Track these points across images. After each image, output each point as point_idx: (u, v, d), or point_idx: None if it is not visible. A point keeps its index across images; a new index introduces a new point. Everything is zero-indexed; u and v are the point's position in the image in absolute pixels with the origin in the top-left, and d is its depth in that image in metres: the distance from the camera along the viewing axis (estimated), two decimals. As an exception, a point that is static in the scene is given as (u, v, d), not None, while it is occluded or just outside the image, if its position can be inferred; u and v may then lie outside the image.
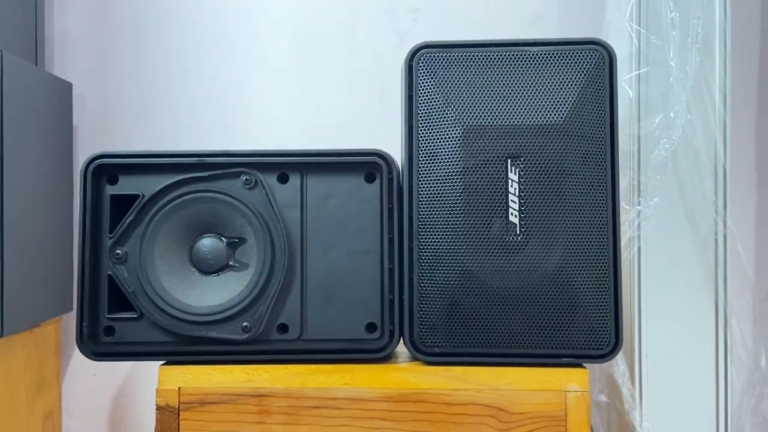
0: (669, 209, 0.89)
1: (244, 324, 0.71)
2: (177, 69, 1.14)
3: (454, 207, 0.69)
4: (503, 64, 0.70)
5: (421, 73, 0.71)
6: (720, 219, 0.87)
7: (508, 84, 0.69)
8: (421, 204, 0.70)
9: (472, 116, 0.69)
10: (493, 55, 0.70)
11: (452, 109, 0.69)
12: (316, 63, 1.13)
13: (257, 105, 1.13)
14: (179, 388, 0.70)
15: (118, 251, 0.71)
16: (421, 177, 0.70)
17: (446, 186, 0.69)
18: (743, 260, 0.90)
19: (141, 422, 1.13)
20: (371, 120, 1.12)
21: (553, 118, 0.68)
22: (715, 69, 0.88)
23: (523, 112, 0.69)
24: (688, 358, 0.88)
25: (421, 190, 0.70)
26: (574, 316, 0.68)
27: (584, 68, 0.69)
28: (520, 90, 0.69)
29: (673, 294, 0.89)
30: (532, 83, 0.69)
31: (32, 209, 0.95)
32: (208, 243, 0.72)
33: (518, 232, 0.68)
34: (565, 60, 0.69)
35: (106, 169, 0.72)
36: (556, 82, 0.69)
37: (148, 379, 1.13)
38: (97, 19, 1.14)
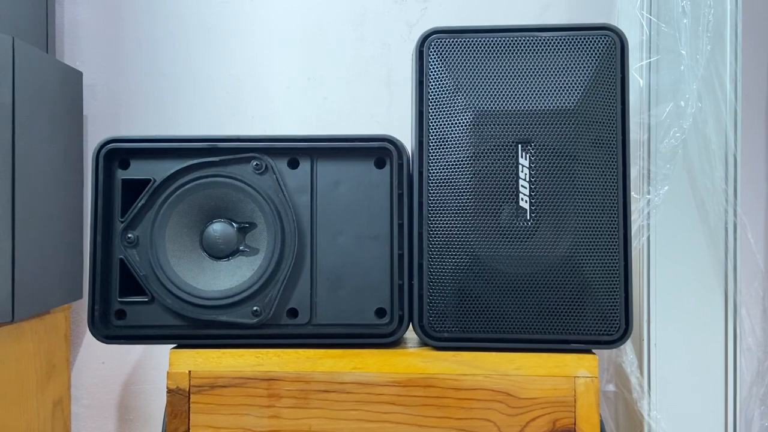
0: (679, 198, 0.89)
1: (255, 308, 0.71)
2: (186, 59, 1.14)
3: (464, 192, 0.69)
4: (514, 50, 0.69)
5: (431, 58, 0.70)
6: (730, 208, 0.87)
7: (519, 69, 0.69)
8: (431, 189, 0.70)
9: (483, 101, 0.69)
10: (504, 41, 0.70)
11: (463, 94, 0.69)
12: (324, 52, 1.13)
13: (265, 94, 1.14)
14: (190, 371, 0.70)
15: (129, 235, 0.72)
16: (432, 162, 0.70)
17: (456, 171, 0.69)
18: (753, 250, 0.90)
19: (149, 410, 1.14)
20: (379, 110, 1.12)
21: (564, 103, 0.68)
22: (726, 58, 0.88)
23: (534, 97, 0.69)
24: (697, 348, 0.88)
25: (431, 176, 0.70)
26: (584, 302, 0.68)
27: (595, 53, 0.69)
28: (531, 75, 0.69)
29: (682, 284, 0.89)
30: (543, 68, 0.69)
31: (43, 197, 0.95)
32: (218, 228, 0.72)
33: (528, 218, 0.68)
34: (577, 45, 0.69)
35: (117, 154, 0.72)
36: (568, 68, 0.69)
37: (156, 367, 1.13)
38: (108, 8, 1.15)
